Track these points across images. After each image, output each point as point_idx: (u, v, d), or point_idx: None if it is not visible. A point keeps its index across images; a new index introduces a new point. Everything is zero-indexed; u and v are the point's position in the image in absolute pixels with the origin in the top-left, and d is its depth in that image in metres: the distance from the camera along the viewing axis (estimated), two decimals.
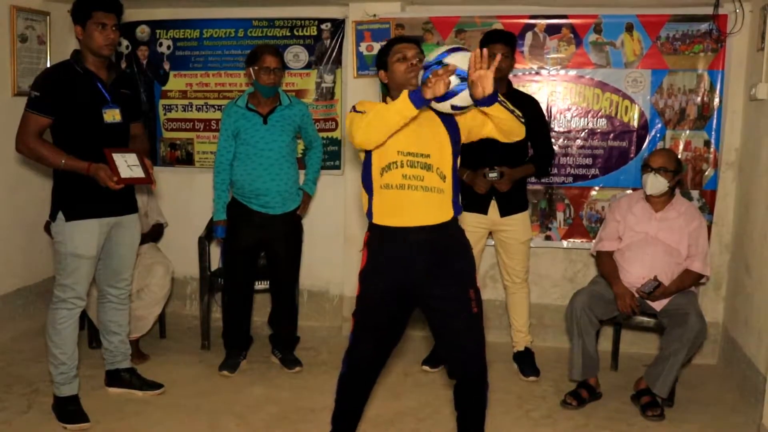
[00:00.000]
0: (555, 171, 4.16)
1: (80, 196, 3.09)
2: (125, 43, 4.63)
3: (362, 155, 2.59)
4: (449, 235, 2.55)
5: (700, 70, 3.98)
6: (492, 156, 3.58)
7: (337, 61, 4.45)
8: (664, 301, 3.45)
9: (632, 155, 4.10)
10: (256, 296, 4.01)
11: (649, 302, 3.47)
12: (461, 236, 2.60)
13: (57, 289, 3.16)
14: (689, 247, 3.50)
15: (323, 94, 4.49)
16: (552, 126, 4.14)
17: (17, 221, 4.25)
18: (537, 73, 4.16)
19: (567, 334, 3.63)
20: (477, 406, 2.61)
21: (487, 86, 2.23)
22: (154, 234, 4.18)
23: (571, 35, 4.08)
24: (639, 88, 4.05)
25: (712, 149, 4.02)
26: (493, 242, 3.91)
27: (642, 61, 4.02)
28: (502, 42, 3.60)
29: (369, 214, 2.57)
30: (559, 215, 4.22)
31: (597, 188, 4.17)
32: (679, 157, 3.86)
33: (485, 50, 2.21)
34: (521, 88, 3.99)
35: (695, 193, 4.04)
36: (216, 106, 4.58)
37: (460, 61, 2.29)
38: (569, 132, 4.16)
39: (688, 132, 4.05)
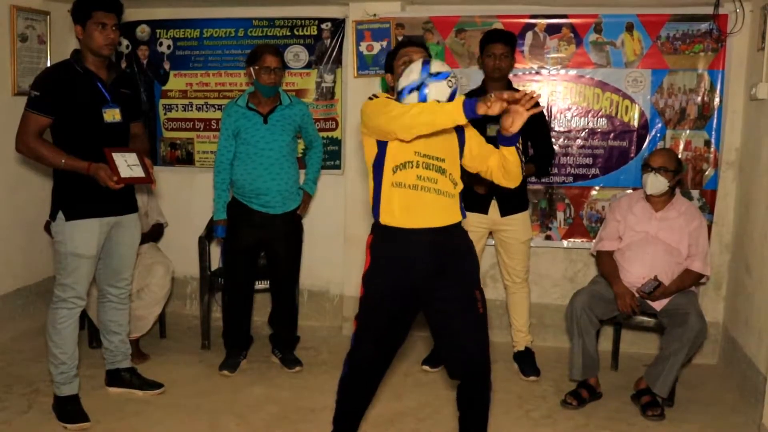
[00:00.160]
0: (555, 171, 4.16)
1: (80, 196, 3.09)
2: (125, 42, 4.62)
3: (368, 148, 2.55)
4: (454, 237, 2.55)
5: (700, 70, 3.98)
6: None
7: (338, 61, 4.45)
8: (665, 301, 3.45)
9: (632, 155, 4.09)
10: (256, 296, 4.01)
11: (649, 302, 3.47)
12: (465, 238, 2.61)
13: (57, 289, 3.16)
14: (689, 246, 3.50)
15: (323, 94, 4.49)
16: (552, 126, 4.13)
17: (17, 221, 4.25)
18: (537, 73, 4.16)
19: (567, 333, 3.63)
20: (479, 407, 2.60)
21: (517, 123, 2.30)
22: (154, 234, 4.18)
23: (572, 35, 4.08)
24: (639, 87, 4.05)
25: (712, 149, 4.02)
26: (493, 242, 3.92)
27: (642, 60, 4.02)
28: (502, 41, 3.60)
29: (375, 211, 2.55)
30: (560, 215, 4.22)
31: (597, 188, 4.17)
32: (680, 156, 3.85)
33: (535, 95, 2.26)
34: (521, 88, 3.98)
35: (695, 193, 4.04)
36: (216, 106, 4.58)
37: (437, 65, 2.42)
38: (569, 132, 4.16)
39: (688, 132, 4.05)
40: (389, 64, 2.68)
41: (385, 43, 4.23)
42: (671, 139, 4.06)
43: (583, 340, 3.44)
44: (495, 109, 2.17)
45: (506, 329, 4.13)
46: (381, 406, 3.36)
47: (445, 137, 2.51)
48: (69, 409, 3.19)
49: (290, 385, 3.67)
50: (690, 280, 3.50)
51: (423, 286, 2.52)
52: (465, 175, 2.60)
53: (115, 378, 3.51)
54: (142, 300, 3.89)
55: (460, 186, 2.56)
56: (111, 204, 3.17)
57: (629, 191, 3.97)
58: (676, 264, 3.49)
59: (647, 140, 4.08)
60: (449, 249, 2.52)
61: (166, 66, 4.65)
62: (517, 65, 3.99)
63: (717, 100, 3.98)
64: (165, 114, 4.68)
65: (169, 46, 4.63)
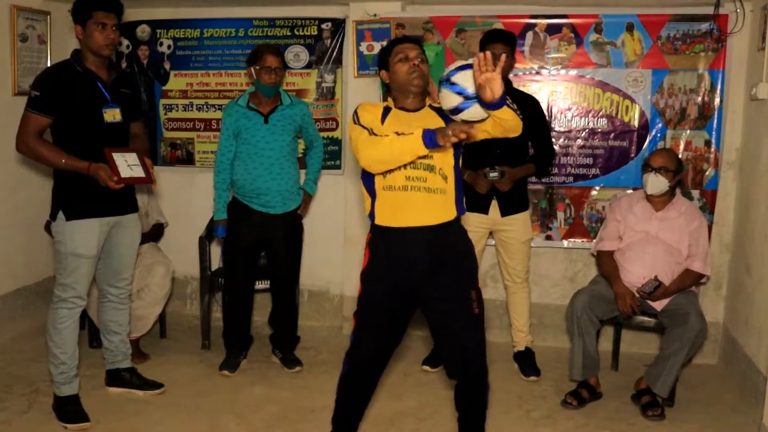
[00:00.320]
0: (555, 171, 4.16)
1: (80, 196, 3.09)
2: (126, 42, 4.63)
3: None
4: (451, 235, 2.55)
5: (700, 70, 3.97)
6: (492, 156, 3.59)
7: (338, 61, 4.45)
8: (665, 301, 3.45)
9: (633, 155, 4.09)
10: (256, 296, 4.01)
11: (649, 302, 3.46)
12: (464, 236, 2.60)
13: (57, 289, 3.16)
14: (690, 246, 3.50)
15: (324, 94, 4.49)
16: (552, 126, 4.13)
17: (17, 221, 4.25)
18: (537, 73, 4.16)
19: (567, 333, 3.63)
20: (477, 407, 2.61)
21: (495, 89, 2.21)
22: (154, 234, 4.18)
23: (572, 35, 4.08)
24: (639, 87, 4.05)
25: (712, 149, 4.02)
26: (493, 242, 3.92)
27: (642, 60, 4.02)
28: (502, 42, 3.60)
29: (371, 215, 2.56)
30: (560, 215, 4.22)
31: (597, 188, 4.17)
32: (680, 156, 3.85)
33: (488, 53, 2.20)
34: (522, 88, 3.99)
35: (696, 193, 4.04)
36: (216, 106, 4.58)
37: (462, 79, 2.31)
38: (570, 132, 4.16)
39: (688, 132, 4.04)
40: (384, 61, 2.62)
41: (385, 43, 4.22)
42: (671, 139, 4.06)
43: (583, 340, 3.43)
44: (454, 140, 2.23)
45: (506, 329, 4.13)
46: (381, 405, 3.36)
47: None
48: (69, 409, 3.19)
49: (290, 385, 3.67)
50: (690, 280, 3.50)
51: (419, 285, 2.52)
52: (465, 174, 2.60)
53: (115, 378, 3.51)
54: (143, 300, 3.89)
55: (452, 178, 2.51)
56: (111, 204, 3.17)
57: (629, 191, 3.97)
58: (676, 264, 3.49)
59: (647, 140, 4.07)
60: (446, 246, 2.52)
61: (167, 66, 4.65)
62: (517, 65, 3.99)
63: (717, 100, 3.97)
64: (165, 114, 4.68)
65: (169, 46, 4.63)
